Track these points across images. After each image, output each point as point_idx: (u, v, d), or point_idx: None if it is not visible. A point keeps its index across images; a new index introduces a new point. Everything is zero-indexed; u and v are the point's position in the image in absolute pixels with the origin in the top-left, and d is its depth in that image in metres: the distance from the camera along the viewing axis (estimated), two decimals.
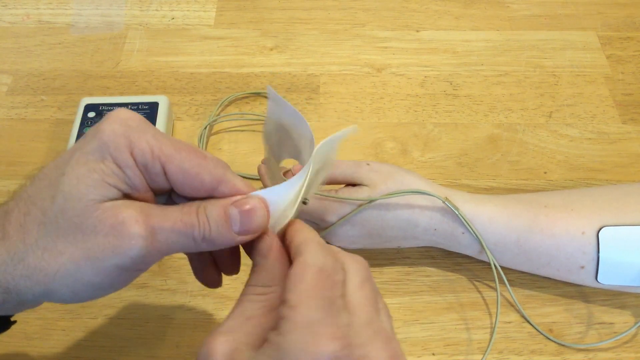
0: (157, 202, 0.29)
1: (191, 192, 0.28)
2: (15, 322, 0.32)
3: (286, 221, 0.30)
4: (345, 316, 0.25)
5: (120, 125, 0.26)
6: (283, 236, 0.30)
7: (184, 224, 0.27)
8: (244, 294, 0.27)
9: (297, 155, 0.33)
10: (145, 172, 0.27)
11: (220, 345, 0.25)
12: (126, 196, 0.27)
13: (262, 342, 0.25)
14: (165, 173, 0.27)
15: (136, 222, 0.26)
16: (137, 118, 0.27)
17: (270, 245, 0.28)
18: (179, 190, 0.28)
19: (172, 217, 0.27)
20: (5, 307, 0.28)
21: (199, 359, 0.25)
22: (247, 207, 0.27)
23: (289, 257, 0.28)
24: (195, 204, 0.28)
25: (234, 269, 0.33)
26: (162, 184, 0.28)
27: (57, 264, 0.26)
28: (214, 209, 0.27)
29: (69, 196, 0.26)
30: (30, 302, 0.28)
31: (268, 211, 0.28)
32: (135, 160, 0.27)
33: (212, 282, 0.33)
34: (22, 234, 0.26)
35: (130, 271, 0.27)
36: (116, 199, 0.26)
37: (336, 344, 0.23)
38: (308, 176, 0.29)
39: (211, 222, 0.27)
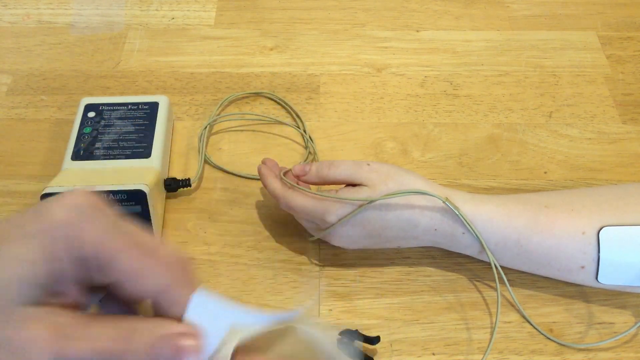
0: (87, 301, 0.26)
1: (133, 294, 0.25)
2: None
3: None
4: None
5: (71, 212, 0.24)
6: None
7: (107, 350, 0.23)
8: None
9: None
10: (86, 266, 0.24)
11: None
12: (52, 294, 0.24)
13: None
14: (109, 270, 0.25)
15: (44, 345, 0.23)
16: (91, 204, 0.25)
17: None
18: (118, 291, 0.25)
19: (92, 340, 0.23)
20: None
21: None
22: (178, 349, 0.24)
23: None
24: (125, 325, 0.25)
25: None
26: (101, 280, 0.25)
27: None
28: (141, 341, 0.24)
29: None
30: None
31: (200, 351, 0.25)
32: (78, 253, 0.24)
33: None
34: None
35: None
36: (38, 301, 0.24)
37: None
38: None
39: (132, 353, 0.24)
